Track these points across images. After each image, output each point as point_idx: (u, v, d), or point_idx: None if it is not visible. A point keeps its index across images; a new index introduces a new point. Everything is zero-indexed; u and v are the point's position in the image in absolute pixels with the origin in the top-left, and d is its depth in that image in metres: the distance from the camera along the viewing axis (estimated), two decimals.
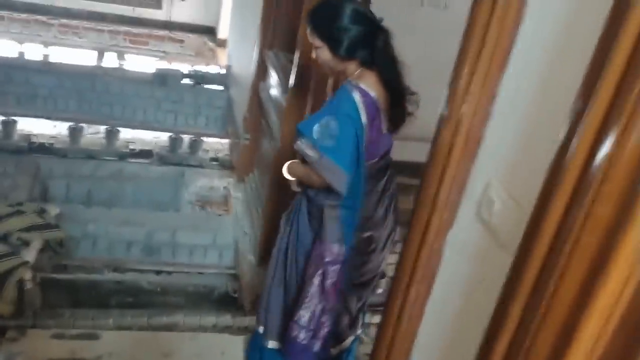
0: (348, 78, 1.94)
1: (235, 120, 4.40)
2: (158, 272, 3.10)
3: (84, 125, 4.47)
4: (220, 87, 5.01)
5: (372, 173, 2.05)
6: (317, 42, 1.93)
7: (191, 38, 6.51)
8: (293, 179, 2.07)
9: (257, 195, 3.27)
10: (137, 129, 4.75)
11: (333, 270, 2.02)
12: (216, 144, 4.77)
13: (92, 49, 5.94)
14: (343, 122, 1.85)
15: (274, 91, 3.03)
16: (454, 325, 1.19)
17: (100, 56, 6.00)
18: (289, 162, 2.10)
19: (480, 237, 1.10)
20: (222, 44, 6.29)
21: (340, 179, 1.88)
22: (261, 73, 3.39)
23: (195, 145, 4.56)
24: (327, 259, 2.01)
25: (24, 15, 6.02)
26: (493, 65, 1.07)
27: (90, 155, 4.25)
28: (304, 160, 2.00)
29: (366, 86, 1.90)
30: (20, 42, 5.89)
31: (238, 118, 4.28)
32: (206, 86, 5.03)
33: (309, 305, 2.04)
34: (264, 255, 2.86)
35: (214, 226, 3.30)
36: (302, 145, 1.90)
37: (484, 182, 1.10)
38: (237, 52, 4.85)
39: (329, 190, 1.94)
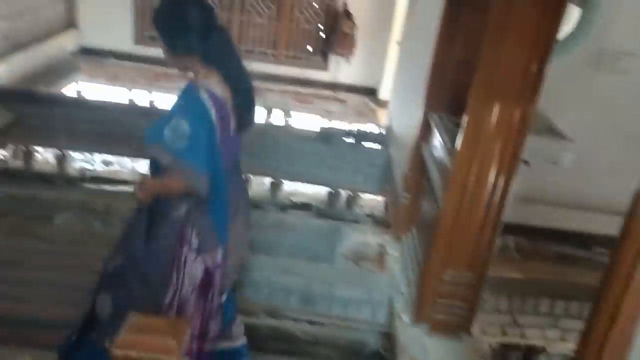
0: (194, 78, 1.94)
1: (393, 179, 4.45)
2: (312, 322, 3.17)
3: (251, 176, 4.81)
4: (380, 146, 5.11)
5: (225, 173, 2.04)
6: (160, 42, 1.95)
7: (353, 98, 6.78)
8: (148, 199, 1.99)
9: (415, 255, 3.26)
10: (299, 182, 5.00)
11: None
12: (372, 201, 4.85)
13: (262, 106, 6.42)
14: (193, 122, 1.81)
15: (438, 153, 3.04)
16: None
17: (269, 113, 6.48)
18: (139, 184, 2.03)
19: None
20: (382, 104, 6.47)
21: (199, 180, 1.83)
22: (425, 134, 3.43)
23: (352, 201, 4.70)
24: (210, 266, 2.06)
25: None
26: None
27: (254, 204, 4.52)
28: (154, 174, 1.96)
29: (212, 85, 1.89)
30: None
31: (396, 176, 4.33)
32: (366, 144, 5.16)
33: None
34: (420, 315, 2.82)
35: (369, 282, 3.32)
36: (153, 151, 1.84)
37: None
38: (398, 112, 4.95)
39: (190, 197, 1.89)
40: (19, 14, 5.20)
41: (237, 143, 2.15)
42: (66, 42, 6.07)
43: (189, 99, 1.94)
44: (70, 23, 6.54)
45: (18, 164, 4.55)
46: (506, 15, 2.34)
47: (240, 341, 2.52)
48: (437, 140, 3.11)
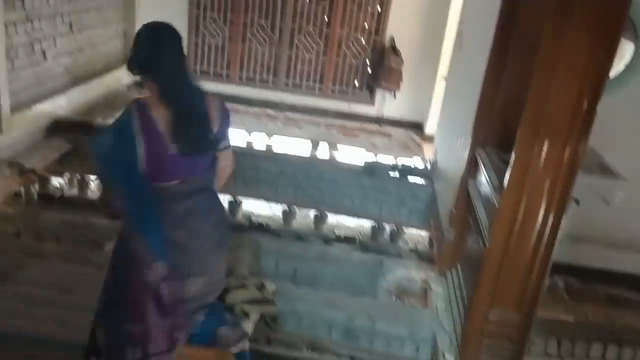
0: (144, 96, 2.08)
1: (438, 214, 4.41)
2: (353, 358, 3.13)
3: (296, 208, 4.87)
4: (425, 181, 5.09)
5: (172, 195, 2.10)
6: None
7: (399, 132, 6.80)
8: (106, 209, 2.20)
9: (459, 293, 3.20)
10: (343, 215, 5.01)
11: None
12: (416, 236, 4.80)
13: (309, 139, 6.51)
14: (114, 130, 2.05)
15: (485, 189, 3.01)
16: None
17: (316, 146, 6.55)
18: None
19: None
20: (428, 139, 6.46)
21: (97, 166, 2.14)
22: (471, 170, 3.40)
23: (396, 235, 4.67)
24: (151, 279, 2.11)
25: (256, 109, 6.89)
26: None
27: (299, 236, 4.57)
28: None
29: (149, 104, 2.02)
30: (250, 132, 6.71)
31: (441, 212, 4.29)
32: (411, 179, 5.14)
33: None
34: (464, 355, 2.75)
35: (412, 319, 3.27)
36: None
37: None
38: (444, 147, 4.92)
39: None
40: (79, 50, 5.48)
41: (193, 165, 2.16)
42: (122, 76, 6.33)
43: (123, 112, 2.11)
44: (126, 58, 6.81)
45: (73, 191, 4.73)
46: (556, 51, 2.33)
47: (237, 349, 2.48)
48: (484, 176, 3.08)
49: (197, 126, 2.11)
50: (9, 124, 4.25)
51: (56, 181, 4.71)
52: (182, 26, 6.83)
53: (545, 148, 2.42)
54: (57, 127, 5.02)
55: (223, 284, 2.42)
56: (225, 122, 2.24)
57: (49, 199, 4.46)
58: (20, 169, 4.32)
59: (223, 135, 2.26)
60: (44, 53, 4.81)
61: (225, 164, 2.33)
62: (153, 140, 2.03)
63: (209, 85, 6.86)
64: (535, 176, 2.46)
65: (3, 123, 4.17)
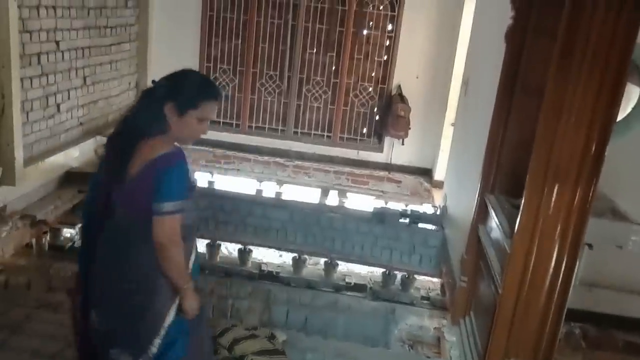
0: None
1: (449, 260, 4.37)
2: None
3: (306, 256, 4.84)
4: (435, 227, 5.06)
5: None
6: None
7: (408, 179, 6.80)
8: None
9: (473, 341, 3.13)
10: (354, 263, 4.98)
11: None
12: (428, 283, 4.75)
13: (318, 187, 6.53)
14: None
15: (496, 235, 2.99)
16: None
17: (325, 194, 6.57)
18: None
19: None
20: (437, 185, 6.45)
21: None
22: (481, 215, 3.38)
23: (407, 282, 4.61)
24: None
25: (266, 158, 6.96)
26: None
27: (309, 285, 4.53)
28: None
29: None
30: (260, 181, 6.75)
31: (453, 258, 4.25)
32: (421, 225, 5.12)
33: None
34: None
35: None
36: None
37: None
38: (454, 193, 4.92)
39: None
40: (93, 102, 5.60)
41: (126, 195, 2.10)
42: None
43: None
44: None
45: None
46: (561, 95, 2.33)
47: None
48: (494, 222, 3.06)
49: (118, 157, 2.08)
50: (22, 176, 4.31)
51: (67, 232, 4.73)
52: None
53: (555, 193, 2.41)
54: (70, 178, 5.09)
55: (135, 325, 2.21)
56: (155, 179, 2.00)
57: (59, 249, 4.48)
58: (32, 220, 4.36)
59: (145, 189, 2.02)
60: (58, 106, 4.92)
61: (155, 232, 2.01)
62: (100, 168, 2.23)
63: (219, 135, 7.06)
64: (546, 221, 2.44)
65: (17, 176, 4.22)
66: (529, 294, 2.51)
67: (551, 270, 2.47)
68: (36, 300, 3.58)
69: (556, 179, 2.40)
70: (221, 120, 7.10)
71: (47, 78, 4.63)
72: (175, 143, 2.12)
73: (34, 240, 4.41)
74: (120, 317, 2.14)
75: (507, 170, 3.25)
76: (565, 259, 2.45)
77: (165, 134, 2.06)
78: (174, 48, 6.62)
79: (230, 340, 2.82)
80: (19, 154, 4.23)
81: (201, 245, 4.89)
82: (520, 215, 2.48)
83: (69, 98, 5.07)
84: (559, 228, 2.44)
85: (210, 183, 6.11)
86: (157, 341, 2.11)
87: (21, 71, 4.18)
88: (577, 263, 2.46)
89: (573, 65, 2.30)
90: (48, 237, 4.52)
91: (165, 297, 2.12)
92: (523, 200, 2.47)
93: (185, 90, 2.07)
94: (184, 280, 2.11)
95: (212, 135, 7.06)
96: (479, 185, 3.45)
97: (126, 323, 2.13)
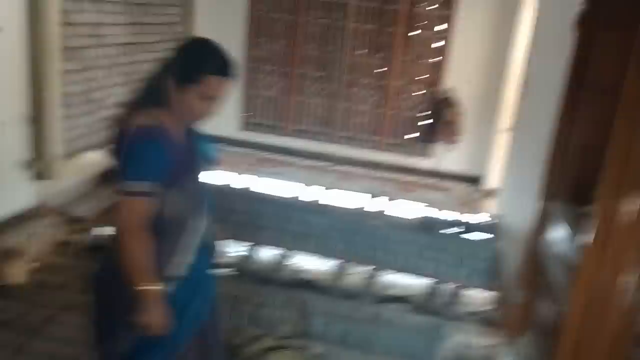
0: None
1: (503, 274, 4.08)
2: None
3: (347, 265, 4.62)
4: (487, 238, 4.77)
5: None
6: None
7: (457, 187, 6.51)
8: None
9: None
10: (397, 273, 4.74)
11: None
12: (478, 297, 4.44)
13: (363, 193, 6.29)
14: None
15: (560, 247, 2.69)
16: None
17: (369, 201, 6.32)
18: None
19: None
20: (488, 193, 6.14)
21: None
22: (542, 225, 3.09)
23: (455, 296, 4.33)
24: None
25: (310, 162, 6.78)
26: None
27: (350, 295, 4.30)
28: None
29: None
30: (304, 185, 6.56)
31: (507, 271, 3.97)
32: (471, 235, 4.85)
33: None
34: None
35: None
36: None
37: None
38: (509, 201, 4.65)
39: None
40: None
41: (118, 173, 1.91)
42: None
43: None
44: None
45: None
46: None
47: None
48: (558, 232, 2.77)
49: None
50: (61, 172, 4.24)
51: (105, 231, 4.65)
52: (238, 78, 6.88)
53: (632, 202, 2.12)
54: (108, 177, 5.02)
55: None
56: (125, 154, 1.79)
57: (98, 249, 4.38)
58: (69, 217, 4.28)
59: (120, 163, 1.82)
60: (99, 102, 4.87)
61: (114, 214, 1.82)
62: None
63: (262, 137, 6.94)
64: (620, 233, 2.15)
65: (55, 171, 4.15)
66: (599, 314, 2.23)
67: (626, 289, 2.18)
68: (65, 301, 3.47)
69: (634, 185, 2.11)
70: (265, 123, 6.97)
71: (89, 73, 4.57)
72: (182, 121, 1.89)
73: (71, 239, 4.33)
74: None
75: (572, 177, 2.95)
76: None
77: (167, 109, 1.83)
78: None
79: (258, 350, 2.61)
80: (58, 149, 4.17)
81: (237, 249, 4.75)
82: (591, 226, 2.19)
83: (110, 95, 5.01)
84: (636, 241, 2.14)
85: (250, 186, 5.97)
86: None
87: (62, 64, 4.12)
88: None
89: None
90: (86, 236, 4.44)
91: (122, 295, 1.84)
92: (596, 208, 2.18)
93: (185, 61, 1.81)
94: (139, 278, 1.78)
95: (254, 137, 6.98)
96: (540, 193, 3.16)
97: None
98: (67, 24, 4.20)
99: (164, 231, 1.84)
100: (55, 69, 3.99)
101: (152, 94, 1.84)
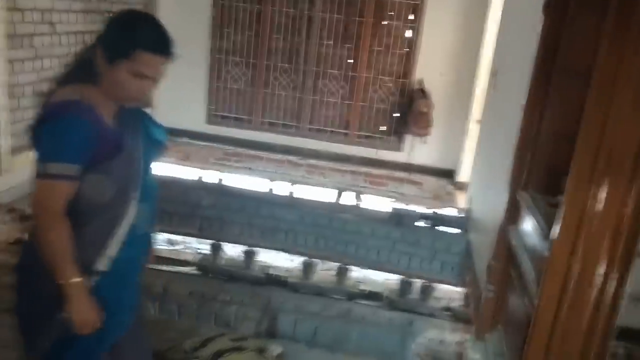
0: None
1: (474, 268, 3.99)
2: None
3: (317, 261, 4.49)
4: (458, 231, 4.68)
5: None
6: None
7: (429, 180, 6.42)
8: None
9: (502, 359, 2.74)
10: (369, 268, 4.63)
11: None
12: (450, 292, 4.35)
13: (333, 187, 6.17)
14: None
15: (531, 239, 2.59)
16: None
17: (340, 195, 6.19)
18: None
19: None
20: (461, 187, 6.06)
21: None
22: (512, 217, 2.99)
23: (427, 291, 4.22)
24: None
25: (279, 156, 6.63)
26: None
27: (320, 292, 4.17)
28: None
29: None
30: (272, 180, 6.40)
31: (478, 265, 3.88)
32: (443, 229, 4.75)
33: None
34: None
35: None
36: None
37: None
38: (479, 194, 4.56)
39: None
40: None
41: None
42: None
43: None
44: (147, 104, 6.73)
45: None
46: (614, 77, 1.94)
47: None
48: (528, 223, 2.66)
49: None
50: (10, 166, 4.02)
51: None
52: (203, 70, 6.69)
53: (603, 191, 2.01)
54: None
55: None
56: (39, 127, 1.64)
57: None
58: (20, 214, 4.07)
59: (36, 142, 1.66)
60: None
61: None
62: None
63: (229, 131, 6.75)
64: (591, 224, 2.04)
65: (3, 166, 3.93)
66: (571, 308, 2.12)
67: (598, 282, 2.07)
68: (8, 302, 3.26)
69: (605, 175, 2.00)
70: (232, 116, 6.79)
71: (42, 62, 4.35)
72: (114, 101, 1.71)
73: (23, 236, 4.13)
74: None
75: (543, 165, 2.86)
76: (614, 271, 2.05)
77: (97, 86, 1.66)
78: (182, 38, 6.13)
79: (212, 352, 2.45)
80: (7, 141, 3.94)
81: (204, 245, 4.58)
82: (562, 216, 2.08)
83: None
84: (608, 233, 2.03)
85: (219, 181, 5.79)
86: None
87: (10, 52, 3.89)
88: (629, 276, 2.06)
89: (630, 39, 1.89)
90: None
91: (45, 287, 1.67)
92: (565, 196, 2.07)
93: (117, 34, 1.64)
94: (60, 270, 1.62)
95: (221, 130, 6.79)
96: (510, 184, 3.06)
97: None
98: (15, 8, 3.97)
99: (85, 219, 1.66)
100: (2, 56, 3.77)
101: (80, 69, 1.68)
